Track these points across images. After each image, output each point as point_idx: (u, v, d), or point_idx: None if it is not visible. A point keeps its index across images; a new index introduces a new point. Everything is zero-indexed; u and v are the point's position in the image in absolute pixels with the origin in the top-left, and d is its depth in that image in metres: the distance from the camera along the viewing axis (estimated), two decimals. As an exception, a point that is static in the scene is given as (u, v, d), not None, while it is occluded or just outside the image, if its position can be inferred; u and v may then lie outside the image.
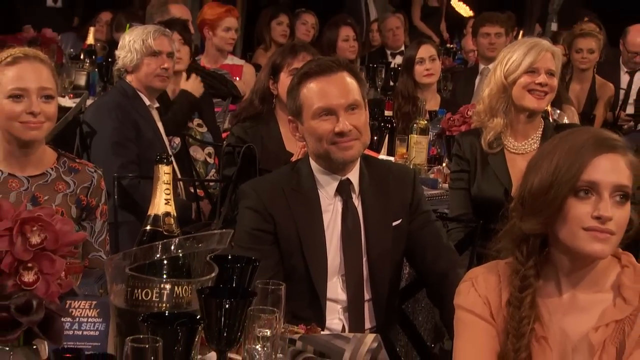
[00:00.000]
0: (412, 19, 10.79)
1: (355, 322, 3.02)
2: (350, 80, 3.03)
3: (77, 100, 5.67)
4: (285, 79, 4.32)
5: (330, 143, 2.99)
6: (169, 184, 2.34)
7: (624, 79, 7.98)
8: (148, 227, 2.34)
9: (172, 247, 2.25)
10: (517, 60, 3.98)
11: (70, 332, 2.30)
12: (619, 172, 2.22)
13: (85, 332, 2.33)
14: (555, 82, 4.01)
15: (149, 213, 2.35)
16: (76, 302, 2.34)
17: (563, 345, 2.28)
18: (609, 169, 2.21)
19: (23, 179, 3.22)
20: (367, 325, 3.05)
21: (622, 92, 7.84)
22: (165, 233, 2.32)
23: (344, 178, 3.07)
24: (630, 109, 7.64)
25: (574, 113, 5.71)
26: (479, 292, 2.35)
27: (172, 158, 4.64)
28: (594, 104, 7.30)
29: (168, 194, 2.34)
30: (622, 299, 2.25)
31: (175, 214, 2.36)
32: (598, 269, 2.28)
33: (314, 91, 3.00)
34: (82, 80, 6.47)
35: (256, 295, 2.21)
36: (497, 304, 2.33)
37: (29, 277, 2.11)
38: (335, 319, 3.03)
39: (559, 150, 2.26)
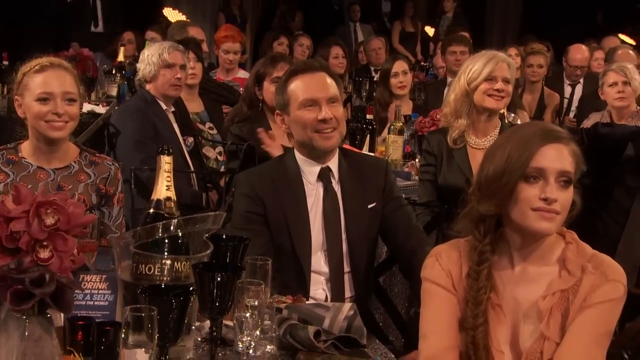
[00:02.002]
0: (392, 42, 10.74)
1: (336, 292, 2.91)
2: (330, 79, 2.97)
3: (108, 107, 5.62)
4: (268, 86, 4.35)
5: (314, 130, 2.90)
6: (170, 172, 2.23)
7: (567, 90, 7.91)
8: (151, 210, 2.22)
9: (172, 227, 2.12)
10: (478, 69, 3.90)
11: (83, 303, 2.18)
12: (563, 160, 2.13)
13: (96, 303, 2.20)
14: (510, 88, 3.91)
15: (151, 198, 2.23)
16: (88, 275, 2.20)
17: (515, 312, 2.18)
18: (554, 157, 2.12)
19: (50, 171, 3.12)
20: (347, 294, 2.93)
21: (565, 101, 7.76)
22: (167, 215, 2.20)
23: (324, 166, 2.97)
24: (572, 115, 7.55)
25: (526, 117, 5.61)
26: (442, 266, 2.25)
27: (187, 154, 4.61)
28: (543, 111, 7.25)
29: (169, 181, 2.22)
30: (567, 271, 2.15)
31: (175, 199, 2.23)
32: (545, 245, 2.18)
33: (299, 85, 2.94)
34: (113, 92, 6.42)
35: (244, 269, 2.08)
36: (458, 276, 2.22)
37: (44, 254, 1.99)
38: (319, 289, 2.92)
39: (510, 142, 2.17)
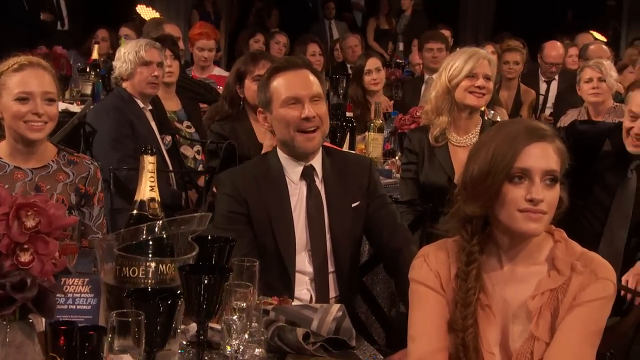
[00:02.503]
0: (367, 40, 10.71)
1: (321, 292, 2.87)
2: (313, 77, 2.92)
3: (82, 106, 5.51)
4: (249, 84, 4.31)
5: (297, 129, 2.85)
6: (154, 172, 2.18)
7: (542, 86, 7.92)
8: (135, 212, 2.17)
9: (156, 229, 2.07)
10: (459, 66, 3.87)
11: (65, 307, 2.12)
12: (548, 159, 2.09)
13: (78, 307, 2.14)
14: (491, 85, 3.90)
15: (135, 199, 2.18)
16: (70, 279, 2.15)
17: (505, 312, 2.15)
18: (539, 156, 2.08)
19: (27, 171, 3.06)
20: (332, 294, 2.89)
21: (541, 98, 7.78)
22: (150, 217, 2.15)
23: (307, 164, 2.93)
24: (548, 112, 7.57)
25: (504, 113, 5.60)
26: (430, 267, 2.21)
27: (165, 153, 4.54)
28: (519, 107, 7.24)
29: (152, 182, 2.16)
30: (556, 270, 2.13)
31: (159, 200, 2.18)
32: (533, 244, 2.15)
33: (282, 83, 2.89)
34: (88, 90, 6.31)
35: (231, 271, 2.03)
36: (446, 277, 2.19)
37: (25, 257, 1.94)
38: (303, 289, 2.88)
39: (495, 141, 2.13)
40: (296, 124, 2.84)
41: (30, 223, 1.94)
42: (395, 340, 3.06)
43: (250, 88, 4.25)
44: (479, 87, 3.84)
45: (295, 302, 2.58)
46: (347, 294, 2.92)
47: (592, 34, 9.91)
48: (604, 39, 10.57)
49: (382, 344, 3.20)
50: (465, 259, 2.15)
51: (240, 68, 4.36)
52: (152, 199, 2.15)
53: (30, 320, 1.91)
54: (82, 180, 3.13)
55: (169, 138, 4.71)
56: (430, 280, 2.19)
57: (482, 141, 2.18)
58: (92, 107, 4.91)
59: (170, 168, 4.51)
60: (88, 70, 6.46)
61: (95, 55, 6.58)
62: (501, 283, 2.15)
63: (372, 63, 5.87)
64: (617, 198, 3.74)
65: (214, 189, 4.04)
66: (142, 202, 2.15)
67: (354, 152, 4.69)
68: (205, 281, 1.91)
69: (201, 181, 4.53)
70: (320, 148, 2.95)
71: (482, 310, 2.14)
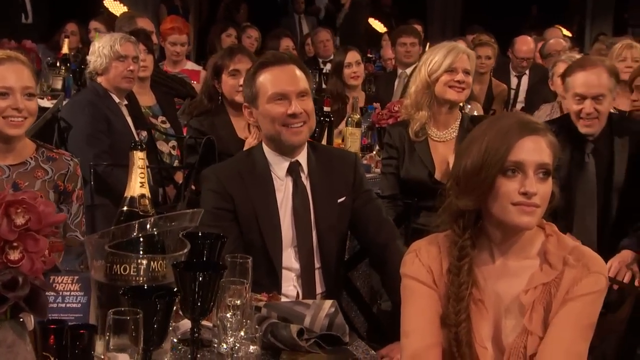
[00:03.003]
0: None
1: (307, 288, 2.86)
2: (299, 72, 2.90)
3: (54, 101, 5.43)
4: (226, 79, 4.30)
5: (283, 125, 2.84)
6: (144, 168, 2.16)
7: (513, 81, 7.98)
8: (125, 208, 2.14)
9: (148, 226, 2.04)
10: (439, 61, 3.89)
11: (54, 305, 2.08)
12: (541, 152, 2.10)
13: (68, 305, 2.11)
14: (470, 79, 3.92)
15: (125, 195, 2.15)
16: (59, 277, 2.11)
17: (497, 307, 2.15)
18: (532, 150, 2.09)
19: (5, 168, 3.01)
20: (318, 290, 2.89)
21: (512, 92, 7.82)
22: (141, 213, 2.13)
23: (293, 160, 2.91)
24: (519, 106, 7.63)
25: (479, 107, 5.63)
26: (422, 262, 2.20)
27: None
28: (491, 101, 7.28)
29: (143, 178, 2.14)
30: (548, 264, 2.13)
31: (149, 196, 2.15)
32: (525, 238, 2.15)
33: (268, 78, 2.86)
34: (58, 85, 6.23)
35: (227, 268, 2.00)
36: (438, 271, 2.18)
37: (14, 255, 1.90)
38: (290, 285, 2.86)
39: (487, 135, 2.12)
40: (282, 120, 2.83)
41: (19, 220, 1.90)
42: (379, 335, 3.07)
43: (227, 82, 4.22)
44: (458, 81, 3.85)
45: (283, 299, 2.56)
46: (333, 289, 2.91)
47: (560, 30, 10.00)
48: (569, 34, 10.69)
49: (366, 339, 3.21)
50: (457, 253, 2.15)
51: (217, 62, 4.34)
52: (143, 195, 2.13)
53: (22, 320, 1.87)
54: (61, 177, 3.09)
55: (144, 133, 4.65)
56: (423, 275, 2.18)
57: (474, 135, 2.17)
58: (65, 102, 4.84)
59: (147, 163, 4.45)
60: (58, 64, 6.38)
61: (65, 49, 6.50)
62: (493, 277, 2.15)
63: (352, 56, 5.88)
64: (580, 185, 3.78)
65: (193, 186, 4.02)
66: (132, 198, 2.13)
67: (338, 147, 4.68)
68: (200, 278, 1.89)
69: (179, 177, 4.49)
70: (306, 143, 2.93)
71: (475, 304, 2.13)
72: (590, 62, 3.82)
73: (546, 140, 2.11)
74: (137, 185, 2.13)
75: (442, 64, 3.86)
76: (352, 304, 3.30)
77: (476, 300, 2.13)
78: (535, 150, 2.08)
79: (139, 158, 2.13)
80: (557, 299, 2.08)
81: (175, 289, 1.84)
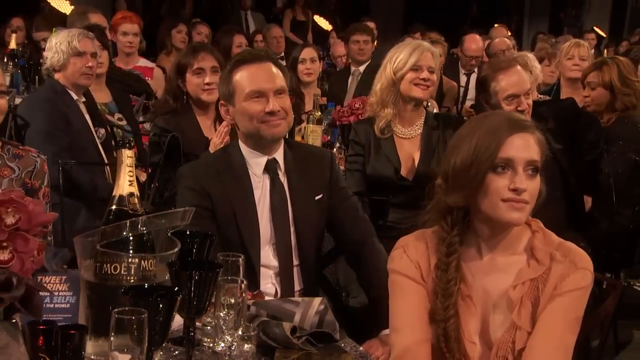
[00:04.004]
0: (284, 30, 10.69)
1: (286, 285, 2.86)
2: (276, 70, 2.88)
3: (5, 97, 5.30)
4: (190, 78, 4.22)
5: (261, 122, 2.83)
6: (132, 166, 2.12)
7: (463, 79, 8.08)
8: (114, 207, 2.10)
9: (139, 225, 2.01)
10: (404, 59, 3.92)
11: (43, 306, 2.03)
12: (530, 149, 2.13)
13: (57, 305, 2.09)
14: (435, 77, 3.96)
15: (113, 194, 2.11)
16: (47, 277, 2.08)
17: (485, 302, 2.18)
18: (521, 147, 2.12)
19: None
20: (296, 287, 2.89)
21: (462, 90, 7.91)
22: (130, 212, 2.08)
23: (270, 157, 2.90)
24: (469, 103, 7.73)
25: (435, 105, 5.68)
26: (410, 258, 2.22)
27: (100, 146, 4.42)
28: (442, 99, 7.33)
29: (131, 176, 2.11)
30: (535, 260, 2.16)
31: (138, 194, 2.12)
32: (512, 234, 2.18)
33: (245, 76, 2.85)
34: (6, 81, 6.05)
35: (222, 267, 1.99)
36: (426, 267, 2.20)
37: (3, 255, 1.86)
38: (268, 283, 2.86)
39: (477, 132, 2.15)
40: (260, 118, 2.82)
41: (10, 220, 1.86)
42: (349, 330, 3.09)
43: (191, 82, 4.17)
44: (423, 79, 3.88)
45: (273, 298, 2.56)
46: (310, 286, 2.92)
47: (505, 29, 10.18)
48: (508, 32, 10.88)
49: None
50: (446, 249, 2.17)
51: (181, 61, 4.26)
52: (132, 194, 2.09)
53: (15, 321, 1.84)
54: (28, 175, 3.03)
55: (102, 131, 4.58)
56: (411, 271, 2.20)
57: (463, 133, 2.19)
58: (21, 99, 4.73)
59: (106, 161, 4.40)
60: (5, 60, 6.24)
61: (12, 44, 6.37)
62: (481, 273, 2.18)
63: (308, 53, 5.89)
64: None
65: (156, 184, 3.97)
66: (121, 197, 2.09)
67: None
68: (196, 277, 1.88)
69: (140, 175, 4.43)
70: (283, 141, 2.93)
71: (463, 300, 2.16)
72: (508, 63, 3.89)
73: (535, 138, 2.15)
74: (126, 183, 2.09)
75: (407, 61, 3.89)
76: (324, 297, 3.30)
77: (464, 295, 2.16)
78: (524, 147, 2.11)
79: (127, 156, 2.09)
80: (545, 294, 2.11)
81: (176, 289, 1.82)
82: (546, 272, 2.13)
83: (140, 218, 2.03)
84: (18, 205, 1.89)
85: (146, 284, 1.86)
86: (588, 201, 4.53)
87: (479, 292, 2.17)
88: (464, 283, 2.17)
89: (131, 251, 2.03)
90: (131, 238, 2.04)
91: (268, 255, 2.85)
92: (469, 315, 2.16)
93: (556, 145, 3.88)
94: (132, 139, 2.16)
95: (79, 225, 3.95)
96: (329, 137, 4.93)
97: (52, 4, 9.35)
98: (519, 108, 3.76)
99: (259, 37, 8.50)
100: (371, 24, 7.98)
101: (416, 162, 3.90)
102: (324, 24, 11.72)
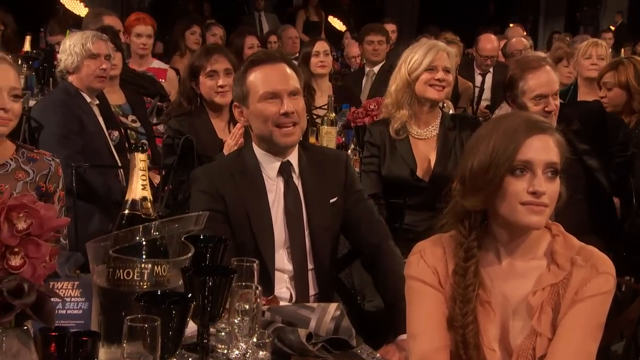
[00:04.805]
0: (296, 31, 10.68)
1: (300, 290, 2.81)
2: (291, 71, 2.85)
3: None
4: (204, 80, 4.21)
5: (275, 125, 2.79)
6: (145, 170, 2.09)
7: (478, 79, 8.01)
8: (126, 212, 2.07)
9: (152, 230, 1.98)
10: (419, 59, 3.87)
11: (55, 312, 2.00)
12: (549, 151, 2.09)
13: (69, 311, 2.06)
14: (450, 77, 3.90)
15: (126, 198, 2.08)
16: (59, 282, 2.06)
17: (505, 308, 2.14)
18: (540, 149, 2.08)
19: None
20: (312, 292, 2.85)
21: (477, 90, 7.86)
22: (143, 216, 2.06)
23: (284, 160, 2.87)
24: (484, 104, 7.67)
25: (451, 106, 5.62)
26: (427, 263, 2.18)
27: (113, 149, 4.40)
28: (457, 99, 7.28)
29: (144, 180, 2.08)
30: (556, 264, 2.12)
31: (151, 198, 2.09)
32: (532, 238, 2.14)
33: (259, 77, 2.81)
34: (21, 83, 6.06)
35: (236, 272, 1.96)
36: (444, 273, 2.16)
37: (15, 261, 1.85)
38: (283, 287, 2.82)
39: (494, 134, 2.11)
40: (274, 120, 2.78)
41: (21, 225, 1.85)
42: (365, 335, 3.05)
43: (205, 84, 4.15)
44: (438, 79, 3.84)
45: (287, 303, 2.52)
46: (326, 291, 2.88)
47: (521, 28, 10.12)
48: (524, 32, 10.82)
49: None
50: (464, 254, 2.13)
51: (194, 63, 4.24)
52: (145, 198, 2.07)
53: (26, 328, 1.82)
54: (42, 178, 3.02)
55: (116, 133, 4.56)
56: (429, 276, 2.16)
57: (480, 135, 2.16)
58: (35, 101, 4.72)
59: (120, 164, 4.38)
60: (20, 62, 6.23)
61: (27, 47, 6.37)
62: (500, 278, 2.14)
63: (321, 46, 5.89)
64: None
65: (170, 186, 3.95)
66: (134, 201, 2.07)
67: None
68: (210, 283, 1.86)
69: (153, 177, 4.41)
70: (297, 144, 2.89)
71: (482, 306, 2.12)
72: (538, 63, 3.83)
73: (554, 139, 2.11)
74: (139, 187, 2.06)
75: (422, 62, 3.84)
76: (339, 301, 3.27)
77: (483, 301, 2.12)
78: (543, 149, 2.08)
79: (140, 160, 2.07)
80: (565, 300, 2.07)
81: (190, 295, 1.79)
82: (567, 277, 2.09)
83: (153, 223, 2.00)
84: (29, 211, 1.87)
85: (159, 290, 1.82)
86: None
87: (498, 298, 2.13)
88: (482, 289, 2.13)
89: (144, 256, 2.01)
90: (144, 243, 2.01)
91: (282, 259, 2.82)
92: (488, 322, 2.12)
93: (582, 146, 3.83)
94: (145, 142, 2.10)
95: (93, 228, 3.93)
96: (343, 139, 4.89)
97: (66, 6, 9.38)
98: (546, 109, 3.71)
99: (273, 38, 8.47)
100: (390, 27, 7.91)
101: (432, 163, 3.86)
102: (337, 24, 11.70)
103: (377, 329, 3.02)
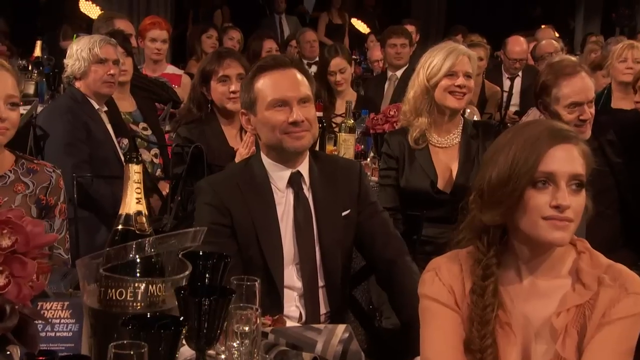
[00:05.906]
0: (318, 35, 10.60)
1: (311, 308, 2.74)
2: (301, 77, 2.77)
3: (28, 107, 5.26)
4: (215, 86, 4.13)
5: (283, 133, 2.71)
6: (140, 182, 2.00)
7: (506, 83, 7.89)
8: (120, 227, 1.98)
9: (146, 247, 1.90)
10: (438, 64, 3.76)
11: (43, 334, 1.93)
12: (573, 162, 1.99)
13: (58, 334, 1.98)
14: (472, 83, 3.79)
15: (120, 212, 2.00)
16: (48, 303, 1.99)
17: (526, 330, 2.04)
18: (564, 159, 1.98)
19: None
20: (322, 310, 2.77)
21: (505, 95, 7.74)
22: (138, 232, 1.97)
23: (294, 170, 2.79)
24: (513, 109, 7.56)
25: (476, 111, 5.52)
26: (443, 281, 2.09)
27: (122, 157, 4.34)
28: (485, 105, 7.19)
29: (139, 193, 1.99)
30: (582, 284, 2.02)
31: (146, 213, 2.01)
32: (555, 256, 2.04)
33: (268, 84, 2.74)
34: (30, 89, 6.10)
35: (235, 293, 1.88)
36: (460, 292, 2.07)
37: (-1, 280, 1.76)
38: (292, 306, 2.74)
39: (515, 143, 2.02)
40: (282, 128, 2.71)
41: (5, 242, 1.79)
42: (381, 353, 2.97)
43: (216, 90, 4.08)
44: (459, 86, 3.72)
45: (293, 324, 2.43)
46: (338, 309, 2.80)
47: (552, 30, 9.99)
48: (555, 34, 10.68)
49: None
50: (482, 272, 2.04)
51: (205, 68, 4.16)
52: (139, 213, 1.99)
53: (8, 353, 1.75)
54: (42, 191, 2.95)
55: (125, 141, 4.51)
56: (444, 296, 2.07)
57: (499, 144, 2.06)
58: (41, 108, 4.68)
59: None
60: (30, 68, 6.22)
61: (37, 52, 6.35)
62: (521, 298, 2.05)
63: (336, 65, 5.79)
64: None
65: (178, 197, 3.88)
66: (127, 216, 1.98)
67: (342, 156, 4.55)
68: (207, 304, 1.77)
69: (163, 187, 4.35)
70: (308, 152, 2.81)
71: (502, 328, 2.03)
72: (573, 69, 3.71)
73: (579, 149, 2.01)
74: (133, 201, 1.98)
75: (442, 67, 3.73)
76: (354, 320, 3.18)
77: (503, 323, 2.03)
78: (567, 159, 1.98)
79: (135, 172, 1.98)
80: (592, 322, 1.98)
81: (182, 318, 1.71)
82: (594, 298, 1.99)
83: (148, 239, 1.92)
84: (14, 227, 1.81)
85: (149, 313, 1.75)
86: None
87: (519, 320, 2.04)
88: (502, 309, 2.03)
89: (138, 275, 1.93)
90: (138, 261, 1.94)
91: (292, 276, 2.74)
92: (508, 345, 2.03)
93: (616, 159, 3.71)
94: (139, 154, 2.03)
95: (100, 241, 3.86)
96: (362, 147, 4.81)
97: (81, 9, 9.39)
98: (581, 117, 3.59)
99: (294, 43, 8.42)
100: (410, 28, 7.81)
101: (454, 173, 3.75)
102: (361, 27, 11.60)
103: (394, 347, 2.94)
